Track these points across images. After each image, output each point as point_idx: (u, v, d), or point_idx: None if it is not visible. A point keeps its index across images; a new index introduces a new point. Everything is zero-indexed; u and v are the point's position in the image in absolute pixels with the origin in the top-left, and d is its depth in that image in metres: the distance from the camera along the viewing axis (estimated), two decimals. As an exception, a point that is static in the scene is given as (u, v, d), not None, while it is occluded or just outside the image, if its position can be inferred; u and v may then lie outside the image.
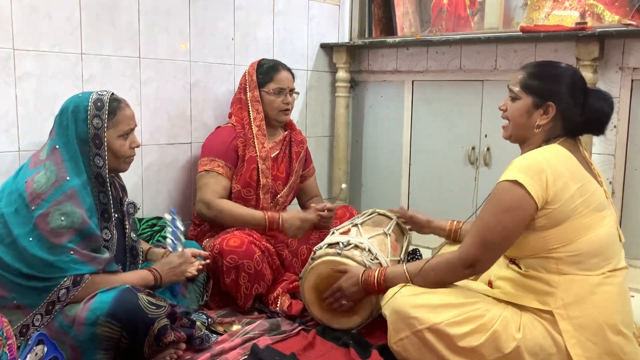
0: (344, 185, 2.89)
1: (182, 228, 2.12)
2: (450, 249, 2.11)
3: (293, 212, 2.46)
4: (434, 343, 1.67)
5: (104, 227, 1.88)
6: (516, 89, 1.76)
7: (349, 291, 1.96)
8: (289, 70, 2.59)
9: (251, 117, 2.50)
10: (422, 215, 2.31)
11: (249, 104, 2.52)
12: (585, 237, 1.63)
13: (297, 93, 2.63)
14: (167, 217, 2.13)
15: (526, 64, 1.83)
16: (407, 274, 1.80)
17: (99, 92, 1.89)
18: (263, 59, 2.62)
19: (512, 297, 1.71)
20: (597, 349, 1.60)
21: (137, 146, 1.95)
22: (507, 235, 1.63)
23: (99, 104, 1.85)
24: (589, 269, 1.63)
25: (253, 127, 2.48)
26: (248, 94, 2.53)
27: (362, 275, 1.93)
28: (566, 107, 1.70)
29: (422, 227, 2.30)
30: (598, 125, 1.72)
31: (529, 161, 1.64)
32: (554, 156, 1.65)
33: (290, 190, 2.62)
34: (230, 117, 2.59)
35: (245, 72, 2.59)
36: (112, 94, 1.91)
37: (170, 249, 2.07)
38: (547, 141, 1.73)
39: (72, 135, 1.82)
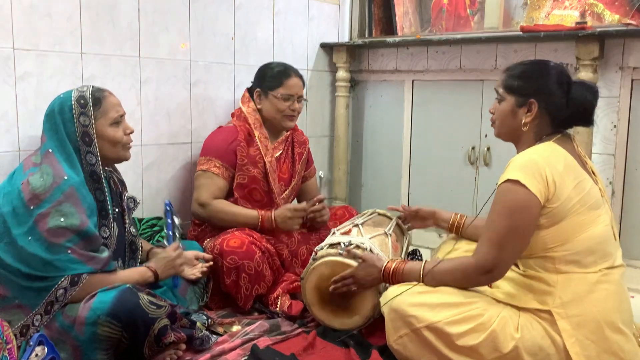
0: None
1: (177, 220, 2.09)
2: (450, 247, 2.12)
3: (284, 206, 2.45)
4: (433, 341, 1.67)
5: (102, 225, 1.88)
6: (500, 90, 1.80)
7: (364, 280, 1.93)
8: (301, 77, 2.56)
9: (252, 126, 2.50)
10: (427, 207, 2.31)
11: (248, 118, 2.52)
12: (581, 235, 1.63)
13: (306, 100, 2.60)
14: (165, 210, 2.09)
15: (509, 65, 1.84)
16: (422, 272, 1.77)
17: (80, 89, 1.88)
18: (272, 63, 2.61)
19: (511, 298, 1.71)
20: (596, 347, 1.60)
21: (131, 132, 1.95)
22: (521, 235, 1.63)
23: (82, 101, 1.85)
24: (586, 266, 1.64)
25: (257, 137, 2.49)
26: (244, 108, 2.54)
27: (385, 266, 1.89)
28: (549, 101, 1.71)
29: (427, 220, 2.28)
30: (584, 116, 1.72)
31: (527, 160, 1.64)
32: (550, 154, 1.65)
33: (292, 192, 2.62)
34: (232, 116, 2.59)
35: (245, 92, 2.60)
36: (93, 86, 1.90)
37: (167, 242, 2.06)
38: (540, 138, 1.73)
39: (62, 137, 1.82)
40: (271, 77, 2.51)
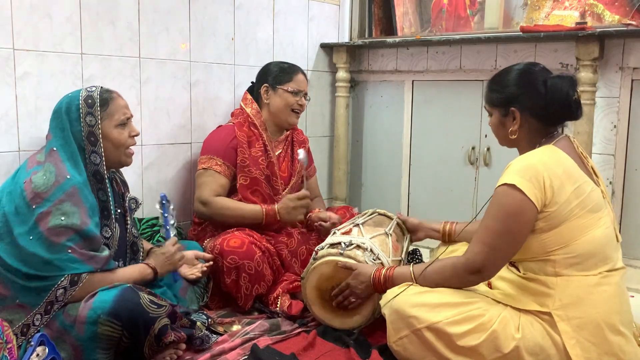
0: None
1: (173, 214, 2.07)
2: (446, 247, 2.12)
3: (284, 198, 2.44)
4: (434, 342, 1.67)
5: (104, 225, 1.88)
6: (486, 105, 1.84)
7: (357, 289, 1.95)
8: (305, 75, 2.60)
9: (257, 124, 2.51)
10: (414, 219, 2.34)
11: (254, 119, 2.52)
12: (581, 238, 1.63)
13: (309, 99, 2.63)
14: (157, 206, 2.06)
15: (491, 77, 1.86)
16: (413, 275, 1.80)
17: (88, 89, 1.89)
18: (275, 61, 2.63)
19: (511, 300, 1.71)
20: (597, 349, 1.60)
21: (136, 134, 1.95)
22: (513, 239, 1.63)
23: (89, 100, 1.85)
24: (586, 269, 1.63)
25: (265, 139, 2.50)
26: (247, 109, 2.54)
27: (373, 274, 1.91)
28: (528, 104, 1.72)
29: (417, 232, 2.32)
30: (567, 109, 1.71)
31: (525, 164, 1.64)
32: (549, 158, 1.65)
33: (291, 190, 2.62)
34: (232, 115, 2.59)
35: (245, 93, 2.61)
36: (102, 87, 1.91)
37: (164, 236, 2.05)
38: (539, 142, 1.73)
39: (68, 136, 1.83)
40: (281, 72, 2.53)
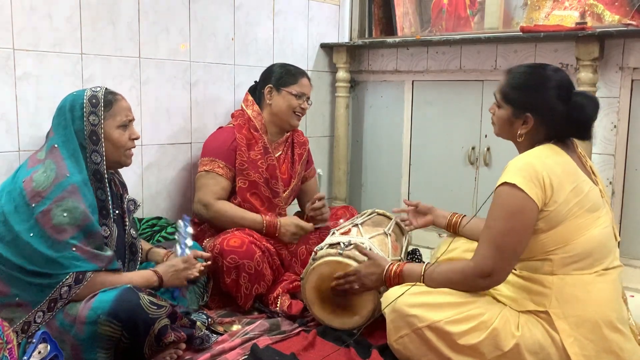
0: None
1: (190, 237, 2.11)
2: (446, 245, 2.11)
3: (291, 218, 2.46)
4: (434, 341, 1.67)
5: (102, 224, 1.88)
6: (498, 96, 1.79)
7: (367, 278, 1.93)
8: (310, 79, 2.61)
9: (257, 125, 2.51)
10: (425, 203, 2.30)
11: (254, 121, 2.52)
12: (579, 238, 1.63)
13: (311, 103, 2.63)
14: (180, 223, 2.12)
15: (512, 67, 1.81)
16: (423, 275, 1.78)
17: (93, 89, 1.90)
18: (280, 63, 2.63)
19: (508, 300, 1.71)
20: (595, 346, 1.60)
21: (137, 138, 1.96)
22: (519, 238, 1.62)
23: (94, 100, 1.86)
24: (583, 268, 1.64)
25: (267, 141, 2.50)
26: (248, 111, 2.54)
27: (388, 267, 1.89)
28: (546, 116, 1.69)
29: (426, 215, 2.26)
30: (582, 130, 1.70)
31: (525, 163, 1.63)
32: (548, 157, 1.65)
33: (292, 193, 2.62)
34: (232, 117, 2.60)
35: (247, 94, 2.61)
36: (106, 88, 1.92)
37: (177, 255, 2.06)
38: (539, 141, 1.73)
39: (70, 134, 1.83)
40: (287, 75, 2.54)
